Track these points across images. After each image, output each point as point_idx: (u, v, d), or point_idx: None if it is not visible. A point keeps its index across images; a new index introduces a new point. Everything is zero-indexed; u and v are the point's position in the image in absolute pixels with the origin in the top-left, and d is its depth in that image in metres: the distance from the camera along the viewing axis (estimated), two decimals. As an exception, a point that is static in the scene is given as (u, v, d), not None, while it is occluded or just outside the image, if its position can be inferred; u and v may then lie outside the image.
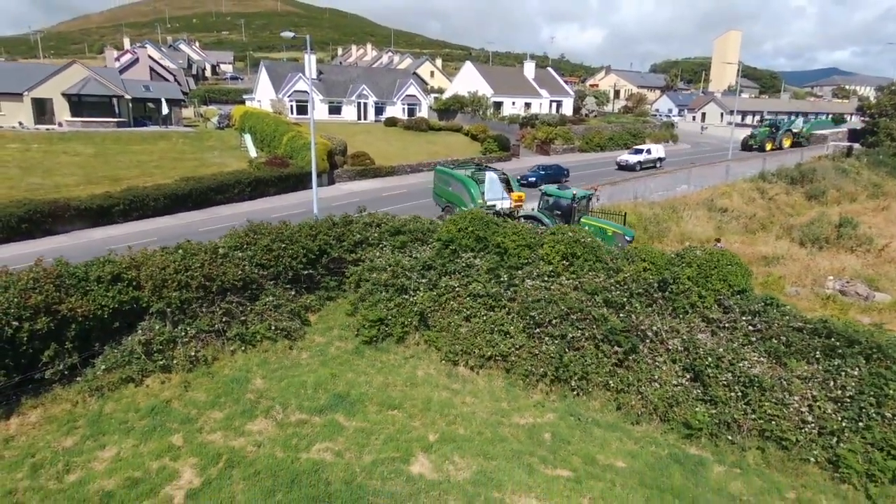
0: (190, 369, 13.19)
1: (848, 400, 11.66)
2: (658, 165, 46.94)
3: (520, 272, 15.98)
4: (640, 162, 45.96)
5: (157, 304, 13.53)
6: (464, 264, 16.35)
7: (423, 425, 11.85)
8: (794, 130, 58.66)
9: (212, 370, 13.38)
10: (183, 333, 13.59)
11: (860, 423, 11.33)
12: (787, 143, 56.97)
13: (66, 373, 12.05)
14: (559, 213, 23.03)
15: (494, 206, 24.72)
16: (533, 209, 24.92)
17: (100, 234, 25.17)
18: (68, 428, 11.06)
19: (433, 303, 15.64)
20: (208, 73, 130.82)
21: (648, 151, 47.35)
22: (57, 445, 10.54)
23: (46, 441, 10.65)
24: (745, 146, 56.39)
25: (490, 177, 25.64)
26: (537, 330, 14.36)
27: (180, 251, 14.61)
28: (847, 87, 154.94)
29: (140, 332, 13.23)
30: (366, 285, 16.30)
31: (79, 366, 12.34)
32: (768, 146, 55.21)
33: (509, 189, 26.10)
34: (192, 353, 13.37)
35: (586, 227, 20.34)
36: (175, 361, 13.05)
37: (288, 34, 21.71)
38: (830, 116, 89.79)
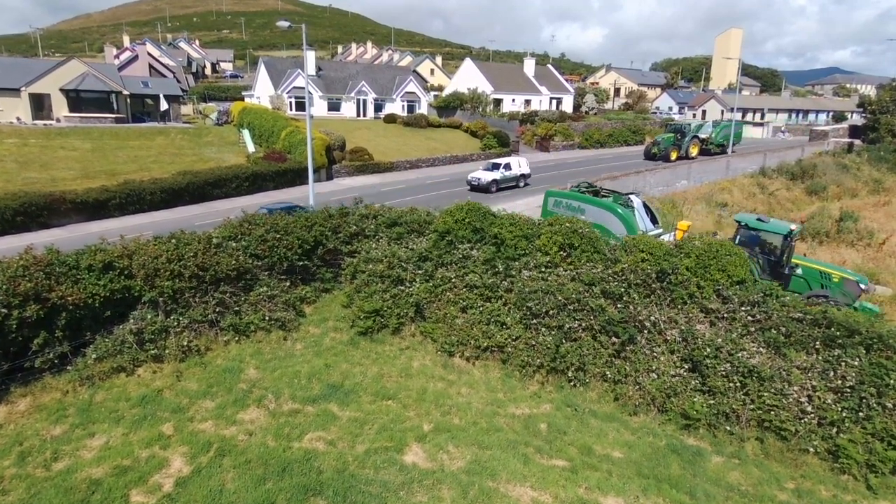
0: (182, 359, 13.05)
1: (848, 390, 11.48)
2: (522, 185, 37.25)
3: (517, 263, 15.82)
4: (495, 181, 35.31)
5: (149, 293, 13.39)
6: (460, 255, 16.19)
7: (417, 415, 11.70)
8: (703, 137, 52.02)
9: (204, 360, 13.24)
10: (175, 323, 13.45)
11: (860, 414, 11.15)
12: (694, 150, 50.15)
13: (56, 361, 11.92)
14: (763, 252, 17.94)
15: None
16: None
17: (96, 228, 25.00)
18: (57, 416, 10.93)
19: (429, 294, 15.49)
20: (208, 71, 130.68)
21: (508, 167, 36.68)
22: (45, 434, 10.41)
23: (35, 429, 10.52)
24: (648, 155, 49.54)
25: (638, 203, 21.41)
26: (534, 321, 14.20)
27: (173, 240, 14.48)
28: (848, 85, 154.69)
29: (132, 321, 13.09)
30: (361, 276, 16.15)
31: (69, 355, 12.21)
32: (673, 155, 48.60)
33: (653, 216, 21.93)
34: (185, 343, 13.23)
35: (798, 270, 17.33)
36: (167, 351, 12.92)
37: (283, 23, 21.56)
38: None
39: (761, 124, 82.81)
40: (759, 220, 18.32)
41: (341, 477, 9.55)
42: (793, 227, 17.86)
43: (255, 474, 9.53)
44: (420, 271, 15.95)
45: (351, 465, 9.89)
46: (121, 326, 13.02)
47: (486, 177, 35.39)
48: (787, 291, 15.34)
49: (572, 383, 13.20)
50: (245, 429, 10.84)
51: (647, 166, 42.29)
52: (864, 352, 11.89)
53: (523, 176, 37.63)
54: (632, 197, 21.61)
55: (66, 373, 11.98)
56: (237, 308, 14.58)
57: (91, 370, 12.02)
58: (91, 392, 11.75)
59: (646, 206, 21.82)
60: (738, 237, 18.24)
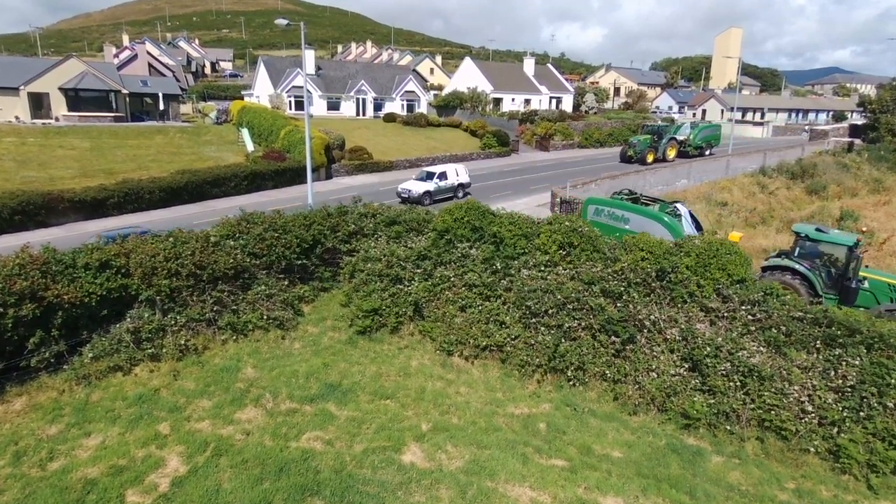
0: (179, 358, 12.98)
1: (849, 390, 11.42)
2: (460, 195, 32.41)
3: (516, 262, 15.76)
4: (429, 192, 31.05)
5: (146, 291, 13.32)
6: (459, 254, 16.13)
7: (415, 415, 11.63)
8: (680, 139, 49.70)
9: (202, 359, 13.17)
10: (172, 322, 13.37)
11: (861, 413, 11.09)
12: (671, 153, 48.27)
13: (52, 360, 11.85)
14: (826, 265, 16.97)
15: None
16: (782, 257, 17.66)
17: (94, 227, 24.89)
18: (53, 416, 10.86)
19: (428, 293, 15.42)
20: (208, 70, 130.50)
21: (443, 176, 32.05)
22: (41, 433, 10.34)
23: (31, 429, 10.45)
24: (624, 158, 47.70)
25: (685, 211, 20.42)
26: (533, 320, 14.13)
27: (171, 239, 14.41)
28: (848, 85, 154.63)
29: (129, 320, 13.02)
30: (360, 275, 16.08)
31: (66, 354, 12.13)
32: (650, 157, 46.37)
33: (698, 224, 20.82)
34: (182, 342, 13.16)
35: (865, 283, 16.32)
36: (164, 350, 12.84)
37: (281, 22, 21.48)
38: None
39: (761, 124, 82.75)
40: (818, 230, 17.37)
41: (339, 477, 9.48)
42: (859, 237, 16.96)
43: (252, 474, 9.46)
44: (419, 270, 15.88)
45: (349, 465, 9.82)
46: (118, 325, 12.94)
47: (419, 188, 31.11)
48: (854, 307, 14.80)
49: (571, 383, 13.13)
50: (242, 428, 10.76)
51: (647, 166, 42.24)
52: (865, 351, 11.84)
53: (461, 186, 33.10)
54: (678, 205, 20.61)
55: (63, 372, 11.90)
56: (235, 307, 14.50)
57: (87, 369, 11.94)
58: (87, 391, 11.68)
59: (691, 215, 20.85)
60: (798, 249, 17.33)
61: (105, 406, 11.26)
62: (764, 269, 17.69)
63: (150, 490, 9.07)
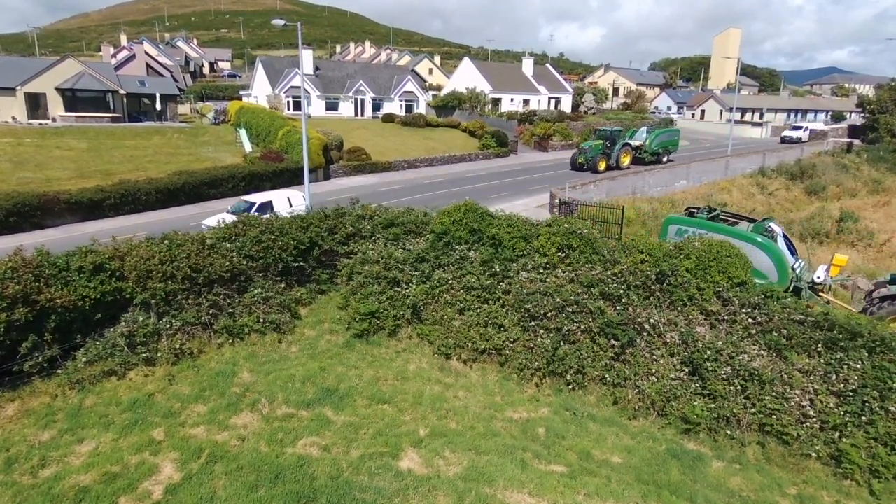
0: (175, 362, 12.83)
1: (850, 394, 11.31)
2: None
3: (515, 264, 15.63)
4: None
5: (141, 295, 13.16)
6: (458, 256, 16.00)
7: (413, 420, 11.51)
8: (636, 144, 45.92)
9: (197, 363, 13.02)
10: (168, 326, 13.22)
11: (863, 418, 10.99)
12: (625, 160, 44.44)
13: (45, 365, 11.68)
14: None
15: (813, 281, 16.79)
16: None
17: (90, 228, 24.73)
18: (46, 422, 10.70)
19: (426, 296, 15.30)
20: (206, 70, 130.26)
21: (266, 207, 23.31)
22: (33, 439, 10.18)
23: (23, 435, 10.29)
24: (574, 165, 44.00)
25: (780, 231, 18.00)
26: (532, 323, 14.02)
27: (166, 241, 14.26)
28: (846, 85, 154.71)
29: (123, 323, 12.86)
30: (358, 278, 15.95)
31: (59, 358, 11.97)
32: (601, 165, 42.49)
33: (791, 245, 18.38)
34: (177, 346, 13.01)
35: None
36: (159, 354, 12.70)
37: (278, 22, 21.34)
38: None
39: (760, 124, 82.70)
40: None
41: (335, 484, 9.34)
42: None
43: (247, 481, 9.32)
44: (417, 273, 15.75)
45: (345, 472, 9.69)
46: (112, 329, 12.78)
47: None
48: None
49: (571, 386, 13.02)
50: (238, 434, 10.62)
51: (646, 166, 42.11)
52: (867, 355, 11.74)
53: None
54: (772, 224, 18.08)
55: (56, 377, 11.74)
56: (231, 310, 14.35)
57: (81, 374, 11.79)
58: (81, 396, 11.53)
59: (784, 235, 18.30)
60: None
61: (99, 411, 11.11)
62: (882, 298, 15.87)
63: (143, 498, 8.93)
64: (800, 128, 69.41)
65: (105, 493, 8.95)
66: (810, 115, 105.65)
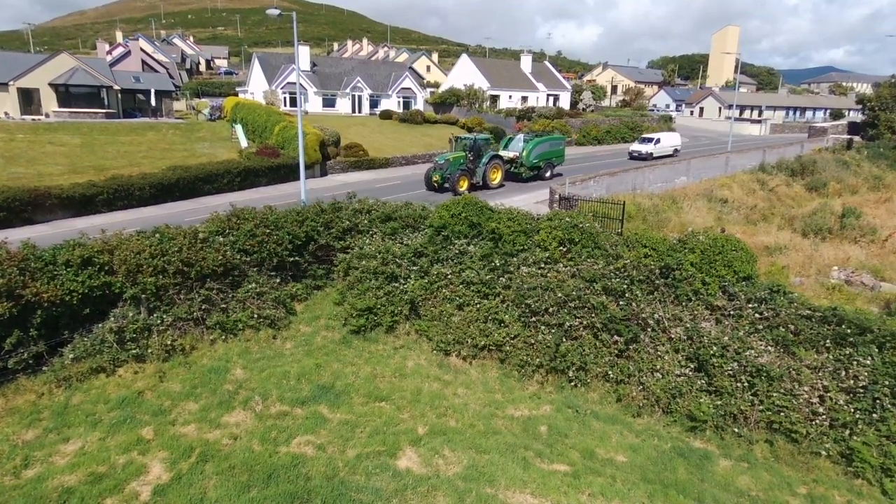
0: (166, 359, 12.47)
1: (861, 390, 11.02)
2: None
3: (515, 259, 15.30)
4: None
5: (130, 290, 12.79)
6: (457, 251, 15.66)
7: (411, 417, 11.17)
8: (509, 156, 35.00)
9: (189, 360, 12.66)
10: (159, 321, 12.86)
11: (874, 415, 10.69)
12: (495, 176, 33.67)
13: (30, 362, 11.32)
14: None
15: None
16: None
17: (82, 224, 24.28)
18: (31, 420, 10.34)
19: (424, 291, 14.96)
20: (203, 67, 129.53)
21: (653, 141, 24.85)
22: (17, 439, 9.82)
23: (6, 434, 9.93)
24: (429, 184, 32.57)
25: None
26: (533, 318, 13.69)
27: (157, 235, 13.90)
28: (844, 84, 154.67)
29: (112, 319, 12.50)
30: (354, 273, 15.60)
31: (45, 355, 11.61)
32: (462, 185, 31.18)
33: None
34: (169, 342, 12.65)
35: None
36: (150, 350, 12.34)
37: (273, 11, 20.90)
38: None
39: (759, 121, 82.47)
40: None
41: (331, 484, 9.00)
42: None
43: (239, 481, 8.97)
44: (415, 268, 15.41)
45: (341, 471, 9.34)
46: (100, 325, 12.42)
47: None
48: None
49: (573, 383, 12.70)
50: (230, 432, 10.27)
51: (646, 163, 41.72)
52: (877, 350, 11.42)
53: None
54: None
55: (42, 374, 11.39)
56: (224, 305, 13.99)
57: (68, 371, 11.43)
58: (68, 394, 11.16)
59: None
60: None
61: (86, 409, 10.75)
62: None
63: (130, 499, 8.57)
64: (650, 140, 46.85)
65: (90, 493, 8.60)
66: (809, 113, 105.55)
